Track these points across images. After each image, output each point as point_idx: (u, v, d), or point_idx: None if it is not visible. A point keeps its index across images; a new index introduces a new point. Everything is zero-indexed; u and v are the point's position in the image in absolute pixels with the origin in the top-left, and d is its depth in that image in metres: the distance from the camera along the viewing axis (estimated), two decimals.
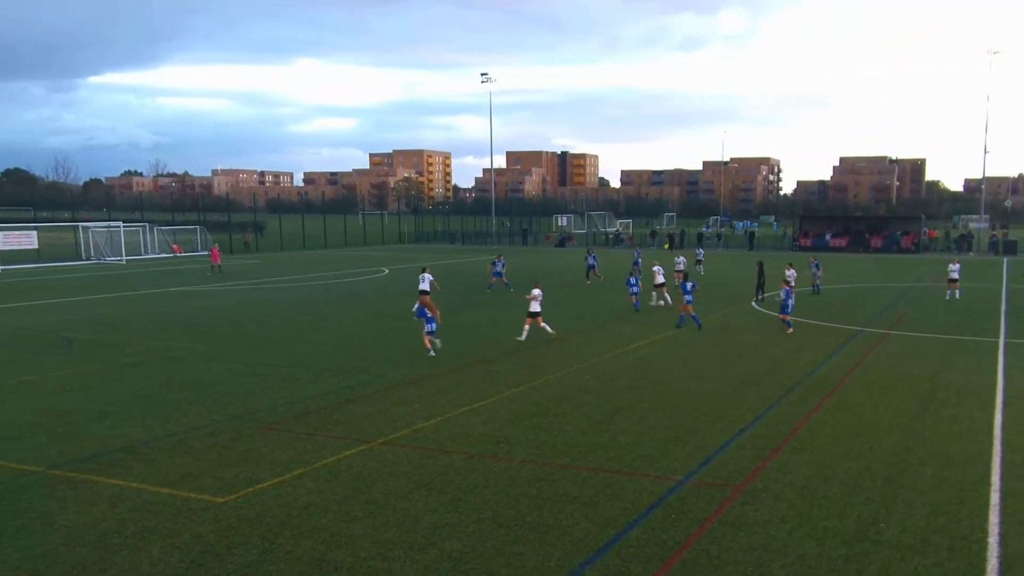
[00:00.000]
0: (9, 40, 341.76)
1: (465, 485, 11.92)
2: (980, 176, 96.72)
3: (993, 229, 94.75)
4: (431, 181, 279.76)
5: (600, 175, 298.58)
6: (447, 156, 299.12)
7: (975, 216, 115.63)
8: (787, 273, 32.38)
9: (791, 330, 25.60)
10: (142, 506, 11.08)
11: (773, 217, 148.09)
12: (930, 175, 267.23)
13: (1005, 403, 16.93)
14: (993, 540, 10.11)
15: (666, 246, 74.82)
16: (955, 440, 14.27)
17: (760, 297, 33.87)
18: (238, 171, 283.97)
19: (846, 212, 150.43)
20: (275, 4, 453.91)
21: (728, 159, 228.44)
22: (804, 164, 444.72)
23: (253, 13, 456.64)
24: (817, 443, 14.02)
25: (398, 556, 9.58)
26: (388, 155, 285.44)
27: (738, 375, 19.55)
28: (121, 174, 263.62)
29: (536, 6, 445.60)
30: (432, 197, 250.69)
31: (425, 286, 30.22)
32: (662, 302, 32.78)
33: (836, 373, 19.83)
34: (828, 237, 74.54)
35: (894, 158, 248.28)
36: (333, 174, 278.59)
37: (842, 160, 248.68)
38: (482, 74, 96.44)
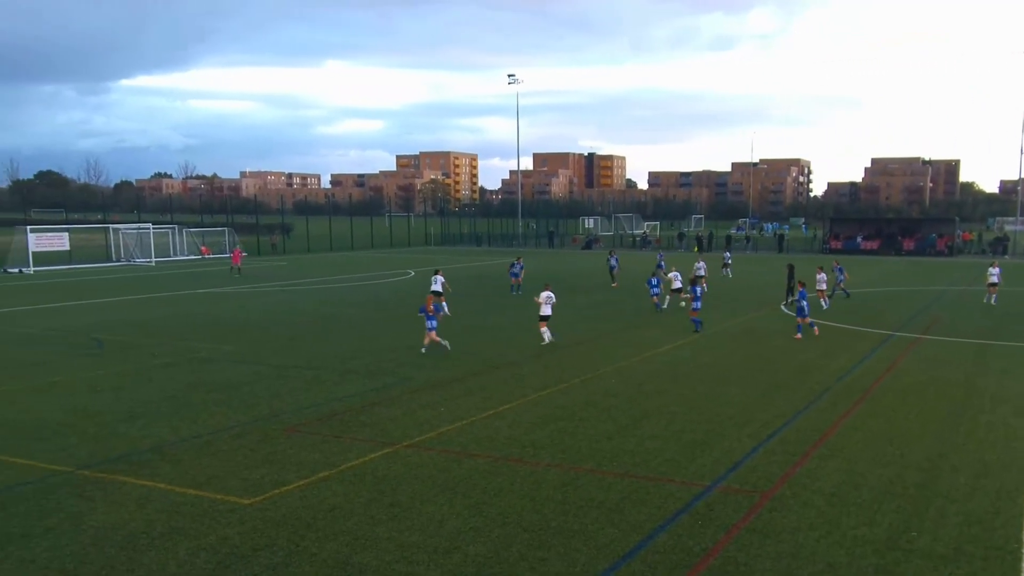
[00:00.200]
0: (42, 44, 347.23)
1: (490, 489, 11.88)
2: (1016, 177, 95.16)
3: None
4: (458, 183, 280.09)
5: (627, 177, 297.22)
6: (474, 158, 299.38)
7: (1011, 218, 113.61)
8: (817, 278, 32.07)
9: (810, 334, 25.08)
10: (169, 507, 11.15)
11: (803, 220, 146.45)
12: (964, 176, 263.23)
13: None
14: None
15: (695, 249, 74.21)
16: (990, 447, 14.01)
17: (789, 300, 33.50)
18: (266, 173, 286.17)
19: (878, 214, 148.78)
20: (304, 6, 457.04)
21: (757, 160, 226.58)
22: (835, 165, 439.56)
23: (283, 16, 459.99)
24: (847, 449, 13.83)
25: (422, 560, 9.56)
26: (415, 157, 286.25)
27: (766, 379, 19.35)
28: (151, 176, 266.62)
29: (563, 6, 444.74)
30: (458, 199, 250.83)
31: (437, 287, 30.39)
32: (683, 303, 32.65)
33: (867, 378, 19.57)
34: (859, 240, 73.54)
35: (927, 159, 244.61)
36: (360, 176, 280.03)
37: (874, 161, 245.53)
38: (509, 75, 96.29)
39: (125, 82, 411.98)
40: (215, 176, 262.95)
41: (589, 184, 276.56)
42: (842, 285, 36.57)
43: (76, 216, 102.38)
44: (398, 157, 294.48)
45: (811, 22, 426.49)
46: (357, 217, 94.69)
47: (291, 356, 22.26)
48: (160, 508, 11.12)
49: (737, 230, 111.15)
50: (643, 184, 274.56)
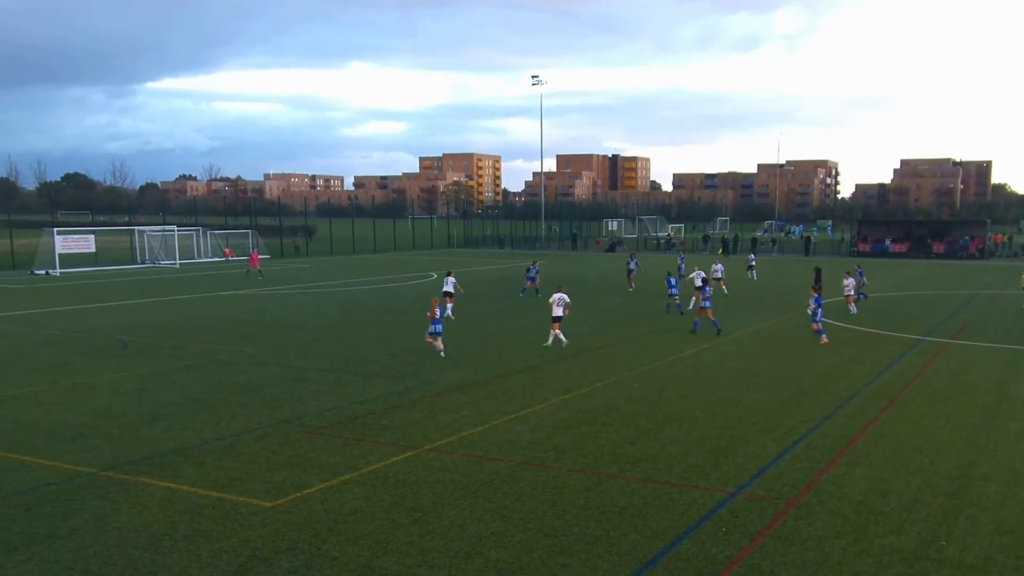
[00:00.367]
0: (71, 48, 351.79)
1: (512, 493, 11.82)
2: None
3: None
4: (480, 185, 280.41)
5: (651, 178, 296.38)
6: (497, 159, 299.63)
7: None
8: (844, 283, 31.71)
9: (825, 340, 24.61)
10: (192, 509, 11.18)
11: (830, 222, 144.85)
12: (996, 178, 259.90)
13: None
14: None
15: (719, 251, 73.64)
16: (1021, 455, 13.77)
17: None
18: (290, 175, 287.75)
19: (907, 216, 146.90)
20: (329, 8, 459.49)
21: (784, 162, 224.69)
22: (863, 167, 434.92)
23: (308, 17, 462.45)
24: (874, 456, 13.64)
25: (443, 564, 9.51)
26: (438, 159, 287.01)
27: (792, 385, 19.15)
28: (176, 178, 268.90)
29: (587, 7, 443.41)
30: (481, 201, 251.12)
31: (449, 288, 30.43)
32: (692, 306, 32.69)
33: (895, 384, 19.31)
34: (888, 242, 72.68)
35: (958, 160, 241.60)
36: (383, 178, 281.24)
37: (903, 162, 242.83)
38: (533, 76, 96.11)
39: (151, 85, 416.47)
40: (239, 178, 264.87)
41: (613, 186, 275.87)
42: (862, 288, 36.17)
43: (102, 218, 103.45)
44: (421, 159, 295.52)
45: (838, 21, 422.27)
46: (380, 219, 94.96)
47: (313, 358, 22.31)
48: (183, 510, 11.15)
49: (764, 232, 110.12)
50: (668, 186, 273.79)
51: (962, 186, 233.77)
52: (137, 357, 22.59)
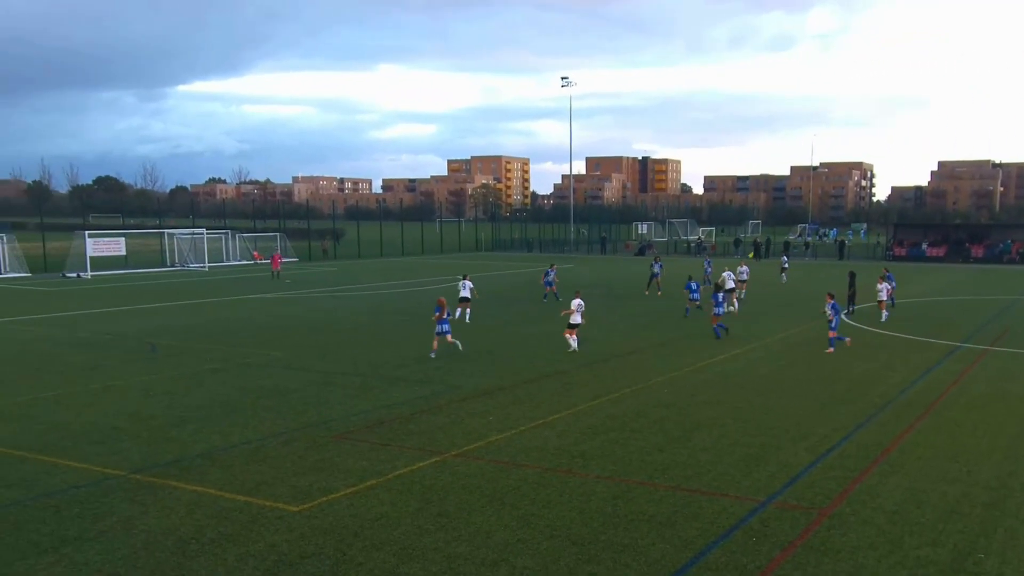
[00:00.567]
0: (104, 51, 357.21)
1: (538, 500, 11.73)
2: None
3: None
4: (509, 188, 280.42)
5: (682, 181, 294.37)
6: (525, 162, 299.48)
7: None
8: (878, 288, 31.19)
9: (830, 350, 23.93)
10: (219, 513, 11.20)
11: (865, 225, 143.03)
12: None
13: None
14: None
15: (751, 255, 72.92)
16: None
17: (851, 310, 32.70)
18: (318, 178, 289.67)
19: (944, 220, 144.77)
20: (360, 10, 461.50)
21: (817, 164, 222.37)
22: (899, 169, 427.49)
23: (338, 20, 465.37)
24: (909, 466, 13.38)
25: (469, 572, 9.44)
26: (466, 161, 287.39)
27: (825, 392, 18.86)
28: (206, 181, 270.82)
29: (618, 7, 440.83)
30: (510, 204, 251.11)
31: (466, 293, 30.43)
32: (731, 308, 32.49)
33: (931, 391, 18.96)
34: (924, 246, 71.42)
35: (997, 162, 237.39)
36: (411, 181, 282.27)
37: (940, 164, 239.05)
38: (562, 78, 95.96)
39: (182, 88, 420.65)
40: (268, 181, 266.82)
41: (643, 189, 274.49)
42: (891, 293, 35.53)
43: (132, 221, 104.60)
44: (449, 162, 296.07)
45: (873, 19, 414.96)
46: (408, 222, 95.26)
47: (340, 362, 22.36)
48: (210, 514, 11.17)
49: (797, 236, 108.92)
50: (698, 189, 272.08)
51: (1002, 188, 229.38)
52: (166, 360, 22.78)
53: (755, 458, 13.75)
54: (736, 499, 11.82)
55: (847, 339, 24.51)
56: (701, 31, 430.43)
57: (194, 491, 12.07)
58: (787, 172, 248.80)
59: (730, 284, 33.73)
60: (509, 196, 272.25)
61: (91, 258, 53.44)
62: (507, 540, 10.33)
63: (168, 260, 62.12)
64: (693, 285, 31.94)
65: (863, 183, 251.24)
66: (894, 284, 34.58)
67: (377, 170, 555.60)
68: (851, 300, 32.93)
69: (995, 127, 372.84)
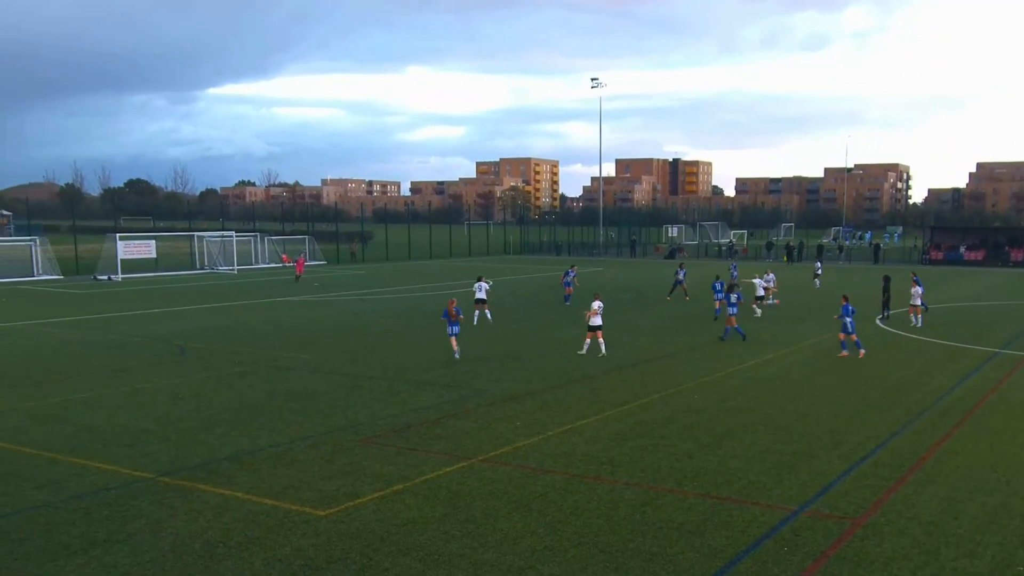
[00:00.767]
0: (136, 55, 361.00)
1: (566, 507, 11.62)
2: None
3: None
4: (538, 190, 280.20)
5: (713, 183, 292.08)
6: (554, 164, 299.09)
7: None
8: (912, 292, 30.67)
9: (844, 353, 23.52)
10: (246, 516, 11.21)
11: (900, 228, 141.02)
12: None
13: None
14: None
15: (784, 259, 72.10)
16: None
17: (885, 315, 32.20)
18: (347, 181, 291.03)
19: (983, 223, 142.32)
20: (389, 12, 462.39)
21: (852, 166, 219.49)
22: (936, 170, 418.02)
23: (368, 22, 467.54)
24: (946, 475, 13.10)
25: None
26: (495, 164, 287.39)
27: (859, 398, 18.56)
28: (235, 184, 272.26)
29: (649, 7, 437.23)
30: (539, 206, 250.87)
31: (481, 295, 30.46)
32: (756, 313, 32.72)
33: (969, 398, 18.60)
34: (962, 250, 70.18)
35: None
36: (440, 183, 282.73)
37: (979, 166, 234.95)
38: (592, 79, 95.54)
39: (213, 91, 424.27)
40: (297, 184, 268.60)
41: (673, 191, 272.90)
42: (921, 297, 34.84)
43: (163, 224, 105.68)
44: (478, 164, 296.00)
45: (910, 18, 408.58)
46: (436, 225, 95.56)
47: (367, 366, 22.38)
48: (237, 517, 11.19)
49: (831, 240, 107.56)
50: (730, 191, 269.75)
51: None
52: (195, 363, 22.94)
53: (787, 466, 13.53)
54: (767, 508, 11.63)
55: (861, 351, 23.78)
56: (733, 31, 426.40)
57: (221, 494, 12.09)
58: (821, 174, 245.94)
59: (760, 291, 33.53)
60: (538, 199, 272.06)
61: (122, 261, 53.95)
62: (534, 547, 10.24)
63: (197, 263, 62.57)
64: (718, 286, 31.71)
65: (899, 185, 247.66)
66: (922, 289, 34.00)
67: (405, 172, 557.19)
68: (885, 305, 32.41)
69: None
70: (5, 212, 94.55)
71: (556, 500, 11.91)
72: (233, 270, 59.90)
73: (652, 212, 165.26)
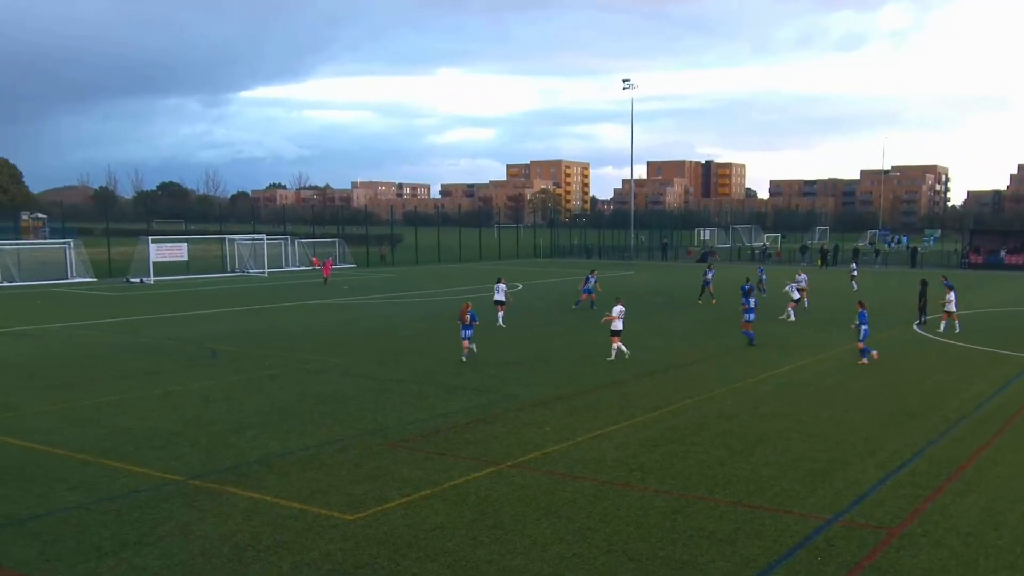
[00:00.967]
0: (170, 58, 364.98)
1: (595, 514, 11.51)
2: None
3: None
4: (568, 193, 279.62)
5: (747, 185, 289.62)
6: (585, 166, 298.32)
7: None
8: (947, 297, 30.08)
9: (864, 361, 23.08)
10: (275, 520, 11.22)
11: (939, 231, 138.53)
12: None
13: None
14: None
15: (818, 263, 71.21)
16: None
17: (922, 320, 31.65)
18: (377, 183, 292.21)
19: None
20: (420, 15, 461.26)
21: (889, 167, 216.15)
22: (976, 172, 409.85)
23: (398, 24, 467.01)
24: (986, 484, 12.83)
25: None
26: (525, 166, 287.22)
27: (895, 405, 18.23)
28: (266, 187, 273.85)
29: (681, 8, 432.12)
30: (569, 209, 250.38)
31: (500, 296, 30.44)
32: (789, 317, 32.53)
33: (1010, 406, 18.22)
34: (1003, 254, 68.66)
35: None
36: (470, 186, 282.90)
37: (1020, 167, 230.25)
38: (624, 80, 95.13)
39: (245, 94, 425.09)
40: (327, 187, 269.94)
41: (706, 193, 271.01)
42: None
43: (194, 227, 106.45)
44: (508, 166, 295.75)
45: (949, 16, 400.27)
46: (466, 228, 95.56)
47: (397, 369, 22.39)
48: (266, 521, 11.20)
49: (868, 243, 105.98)
50: (763, 193, 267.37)
51: None
52: (226, 365, 23.09)
53: (821, 474, 13.31)
54: (800, 516, 11.45)
55: (873, 352, 23.36)
56: (767, 31, 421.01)
57: (251, 497, 12.12)
58: (857, 176, 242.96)
59: (795, 295, 33.21)
60: (568, 201, 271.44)
61: (154, 263, 54.46)
62: (563, 554, 10.14)
63: (228, 266, 62.96)
64: (747, 287, 31.36)
65: (937, 187, 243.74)
66: (955, 295, 33.35)
67: (436, 175, 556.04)
68: (922, 310, 31.84)
69: None
70: (40, 215, 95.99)
71: (585, 507, 11.80)
72: (264, 273, 60.26)
73: (684, 215, 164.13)
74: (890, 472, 13.43)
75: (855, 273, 48.43)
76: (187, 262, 58.77)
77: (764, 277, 43.18)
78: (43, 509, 11.73)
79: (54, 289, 48.22)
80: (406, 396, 19.07)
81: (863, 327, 23.30)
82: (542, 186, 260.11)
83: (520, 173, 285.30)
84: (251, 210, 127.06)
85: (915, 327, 31.10)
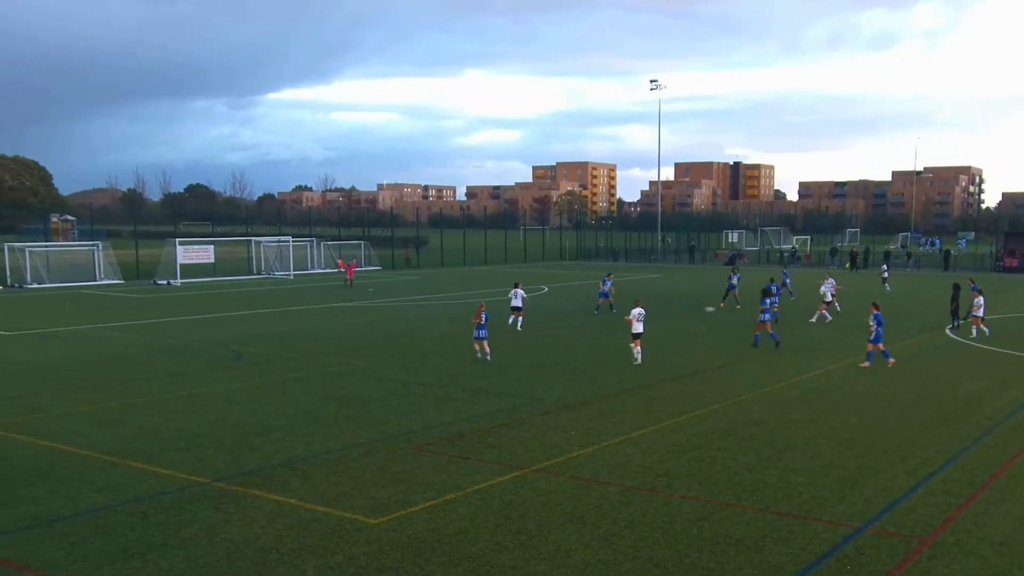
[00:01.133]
0: (198, 61, 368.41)
1: (621, 520, 11.41)
2: None
3: None
4: (595, 195, 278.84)
5: (775, 187, 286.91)
6: (612, 168, 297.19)
7: None
8: (975, 302, 29.54)
9: (867, 364, 22.81)
10: (299, 523, 11.23)
11: (972, 234, 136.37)
12: None
13: None
14: None
15: (847, 266, 70.36)
16: None
17: (955, 324, 31.14)
18: (403, 185, 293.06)
19: None
20: (446, 16, 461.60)
21: (921, 169, 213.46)
22: (1011, 173, 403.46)
23: (425, 26, 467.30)
24: (1020, 493, 12.59)
25: None
26: (551, 167, 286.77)
27: (927, 412, 17.95)
28: (292, 189, 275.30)
29: (710, 8, 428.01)
30: (595, 211, 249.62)
31: (517, 302, 30.39)
32: (815, 320, 32.43)
33: None
34: None
35: None
36: (495, 188, 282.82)
37: None
38: (651, 81, 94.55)
39: (272, 96, 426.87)
40: (353, 189, 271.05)
41: (734, 195, 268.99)
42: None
43: (221, 229, 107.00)
44: (534, 168, 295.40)
45: (984, 15, 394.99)
46: (491, 230, 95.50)
47: (421, 372, 22.38)
48: (290, 524, 11.21)
49: (900, 246, 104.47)
50: (792, 195, 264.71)
51: None
52: (251, 368, 23.20)
53: (851, 481, 13.11)
54: (830, 524, 11.28)
55: (866, 363, 23.04)
56: (797, 31, 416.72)
57: (275, 500, 12.13)
58: (888, 177, 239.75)
59: (828, 297, 32.94)
60: (595, 203, 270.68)
61: (181, 265, 54.89)
62: (587, 560, 10.05)
63: (254, 268, 63.35)
64: (773, 288, 31.15)
65: (971, 189, 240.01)
66: (983, 299, 32.76)
67: (461, 177, 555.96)
68: (955, 314, 31.32)
69: None
70: (70, 217, 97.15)
71: (610, 512, 11.70)
72: (289, 275, 60.58)
73: (712, 217, 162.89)
74: (922, 479, 13.21)
75: (886, 275, 47.80)
76: (214, 264, 59.13)
77: (788, 280, 42.74)
78: (70, 510, 11.83)
79: (82, 291, 48.80)
80: (431, 399, 19.05)
81: (876, 328, 22.99)
82: (568, 188, 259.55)
83: (546, 175, 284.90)
84: (277, 212, 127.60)
85: (948, 331, 30.61)
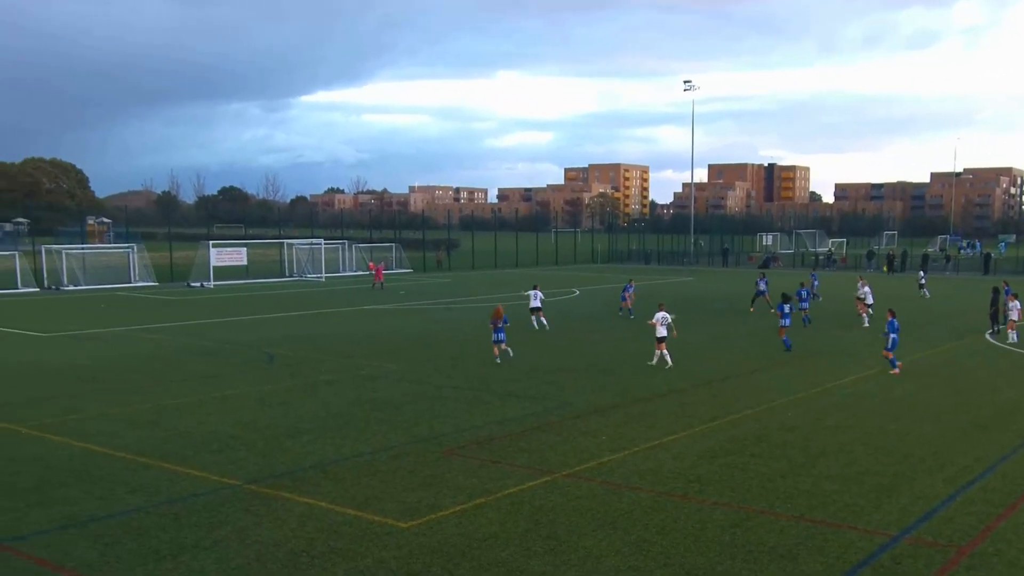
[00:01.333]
0: (232, 64, 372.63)
1: (652, 526, 11.30)
2: None
3: None
4: (627, 197, 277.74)
5: (811, 189, 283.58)
6: (644, 170, 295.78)
7: None
8: (1010, 305, 28.92)
9: (895, 371, 22.29)
10: (329, 526, 11.25)
11: (1013, 237, 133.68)
12: None
13: None
14: None
15: (884, 269, 69.32)
16: None
17: (995, 329, 30.54)
18: (434, 188, 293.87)
19: None
20: (479, 18, 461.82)
21: (961, 170, 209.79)
22: None
23: (458, 27, 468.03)
24: None
25: None
26: (584, 170, 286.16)
27: (966, 418, 17.62)
28: (325, 191, 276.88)
29: (745, 8, 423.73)
30: (628, 214, 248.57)
31: (536, 303, 30.39)
32: (864, 323, 32.15)
33: None
34: None
35: None
36: (527, 190, 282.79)
37: None
38: (685, 81, 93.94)
39: (305, 98, 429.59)
40: (385, 191, 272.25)
41: (768, 197, 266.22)
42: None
43: (253, 231, 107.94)
44: (566, 170, 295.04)
45: None
46: (523, 232, 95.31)
47: (453, 376, 22.39)
48: (321, 527, 11.24)
49: (939, 248, 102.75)
50: (828, 197, 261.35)
51: None
52: (283, 370, 23.34)
53: (887, 488, 12.89)
54: (865, 532, 11.09)
55: (898, 365, 22.52)
56: (834, 30, 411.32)
57: (306, 503, 12.18)
58: (927, 179, 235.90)
59: (870, 299, 32.54)
60: (627, 205, 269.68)
61: (214, 268, 55.45)
62: (618, 567, 9.97)
63: (287, 270, 63.78)
64: (803, 293, 30.79)
65: (1012, 190, 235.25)
66: (1020, 303, 32.03)
67: (493, 179, 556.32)
68: (994, 319, 30.71)
69: None
70: (105, 220, 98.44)
71: (642, 518, 11.59)
72: (321, 278, 60.95)
73: (746, 219, 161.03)
74: (960, 488, 12.96)
75: (923, 281, 46.98)
76: (246, 266, 59.63)
77: (817, 283, 42.18)
78: (104, 511, 11.96)
79: (118, 293, 49.47)
80: (461, 403, 19.04)
81: (892, 336, 22.49)
82: (600, 190, 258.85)
83: (578, 177, 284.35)
84: (309, 215, 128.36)
85: (987, 336, 30.03)
